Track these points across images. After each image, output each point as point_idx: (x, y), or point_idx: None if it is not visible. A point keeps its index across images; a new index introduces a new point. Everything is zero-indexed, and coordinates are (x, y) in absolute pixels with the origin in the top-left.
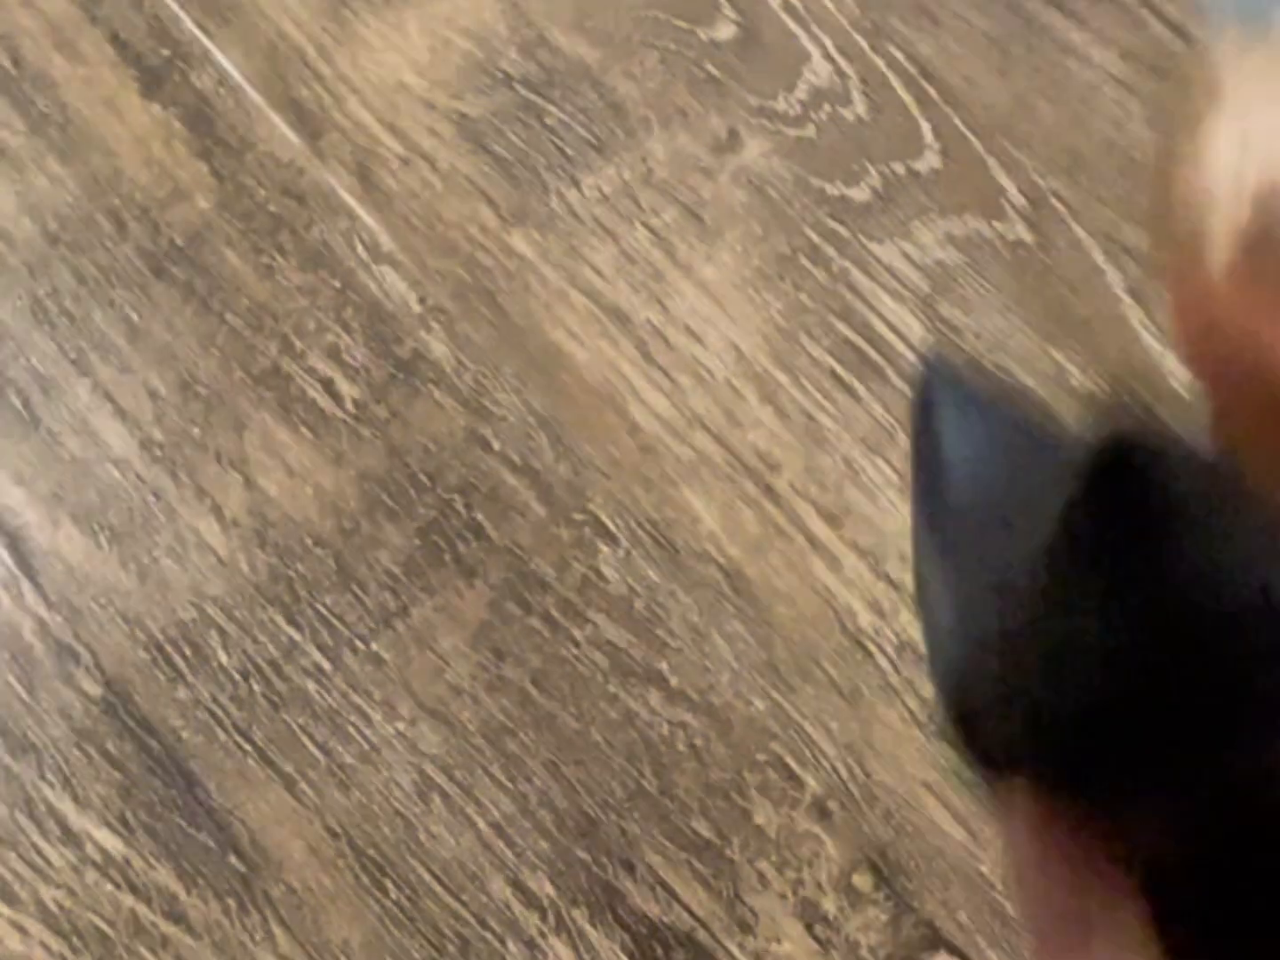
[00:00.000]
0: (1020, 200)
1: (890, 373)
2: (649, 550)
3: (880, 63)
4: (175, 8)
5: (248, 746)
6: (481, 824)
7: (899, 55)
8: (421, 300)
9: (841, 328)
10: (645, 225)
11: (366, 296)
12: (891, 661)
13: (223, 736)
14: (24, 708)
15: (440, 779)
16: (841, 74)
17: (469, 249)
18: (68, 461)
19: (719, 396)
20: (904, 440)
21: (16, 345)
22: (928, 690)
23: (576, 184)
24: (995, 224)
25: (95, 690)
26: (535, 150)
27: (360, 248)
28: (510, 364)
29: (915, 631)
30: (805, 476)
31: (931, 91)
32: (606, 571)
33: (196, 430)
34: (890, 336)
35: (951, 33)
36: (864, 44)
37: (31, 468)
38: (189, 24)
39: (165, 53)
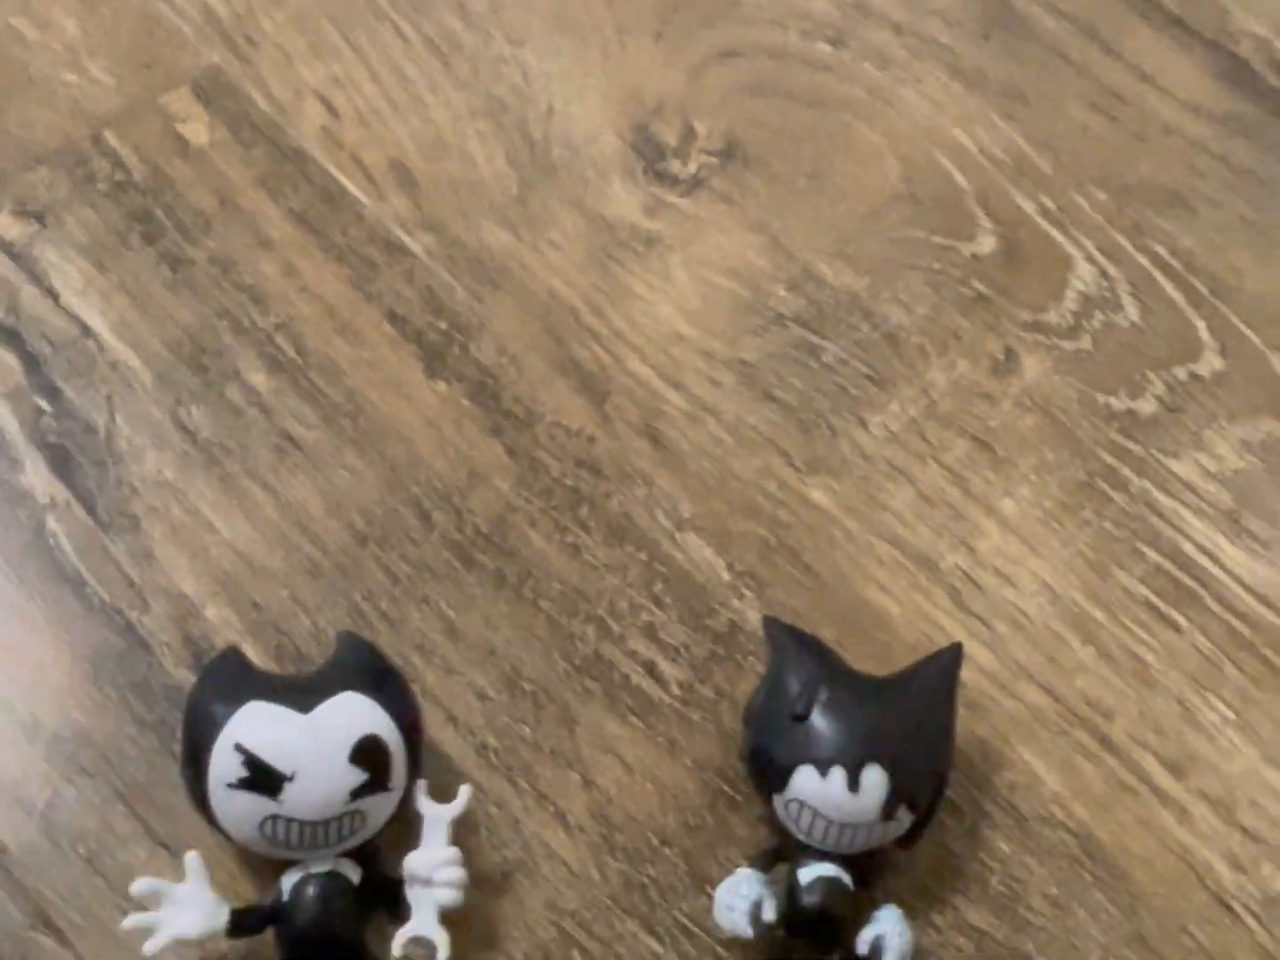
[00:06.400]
0: None
1: (1207, 598)
2: (995, 819)
3: (1144, 260)
4: (448, 277)
5: None
6: None
7: (1161, 250)
8: (729, 566)
9: (1151, 554)
10: (938, 462)
11: (674, 568)
12: (1258, 919)
13: None
14: None
15: None
16: (1108, 277)
17: (769, 507)
18: None
19: (1040, 642)
20: (1233, 672)
21: None
22: None
23: (863, 424)
24: None
25: None
26: (818, 392)
27: (661, 515)
28: (827, 627)
29: (1279, 884)
30: (1141, 723)
31: (1200, 286)
32: (955, 846)
33: (528, 730)
34: (1201, 559)
35: (1209, 220)
36: (1125, 242)
37: None
38: (461, 292)
39: (442, 325)
